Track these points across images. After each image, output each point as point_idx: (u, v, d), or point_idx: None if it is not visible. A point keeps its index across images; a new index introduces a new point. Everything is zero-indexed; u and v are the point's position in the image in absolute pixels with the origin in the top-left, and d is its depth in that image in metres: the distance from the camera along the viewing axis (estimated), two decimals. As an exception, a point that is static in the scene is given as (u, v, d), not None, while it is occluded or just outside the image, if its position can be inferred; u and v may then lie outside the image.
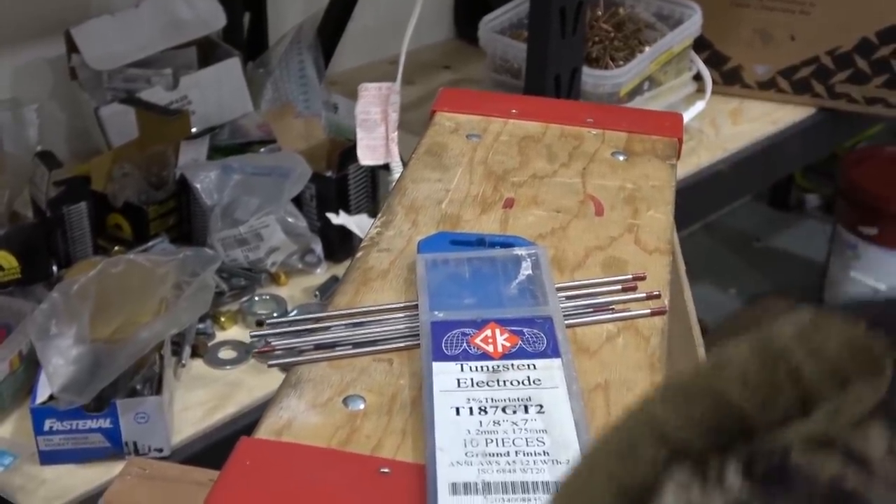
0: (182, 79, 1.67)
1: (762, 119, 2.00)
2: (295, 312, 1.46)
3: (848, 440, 0.33)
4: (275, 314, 1.45)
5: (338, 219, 1.51)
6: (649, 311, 0.65)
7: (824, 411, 0.34)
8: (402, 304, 0.65)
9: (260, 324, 1.44)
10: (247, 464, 0.52)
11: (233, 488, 0.51)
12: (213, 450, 1.29)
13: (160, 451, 1.23)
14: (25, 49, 1.69)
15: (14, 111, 1.62)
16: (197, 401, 1.34)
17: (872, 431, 0.33)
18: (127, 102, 1.61)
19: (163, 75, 1.67)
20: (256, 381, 1.37)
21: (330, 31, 1.94)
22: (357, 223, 1.51)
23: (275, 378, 1.37)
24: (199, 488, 1.03)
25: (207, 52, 1.74)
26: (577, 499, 0.37)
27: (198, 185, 1.50)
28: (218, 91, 1.69)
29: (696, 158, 1.84)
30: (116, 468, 1.14)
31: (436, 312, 0.62)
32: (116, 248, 1.50)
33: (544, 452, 0.53)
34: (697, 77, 1.90)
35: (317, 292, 1.51)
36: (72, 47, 1.64)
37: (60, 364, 1.14)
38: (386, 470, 0.52)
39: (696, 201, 1.83)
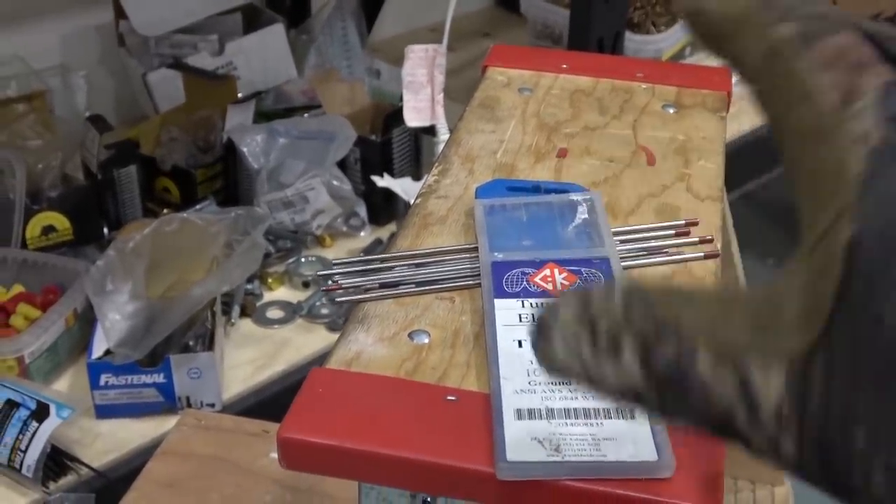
0: (227, 45, 1.69)
1: (804, 85, 1.99)
2: (341, 273, 1.48)
3: (749, 372, 0.31)
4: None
5: (382, 181, 1.52)
6: (703, 254, 0.67)
7: None
8: (462, 247, 0.66)
9: (306, 285, 1.47)
10: (319, 391, 0.54)
11: (306, 412, 0.53)
12: (261, 406, 1.32)
13: (212, 405, 1.26)
14: (74, 16, 1.72)
15: (63, 77, 1.64)
16: (246, 358, 1.36)
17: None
18: (174, 68, 1.64)
19: (209, 41, 1.69)
20: (304, 340, 1.40)
21: (372, -2, 1.95)
22: (401, 186, 1.53)
23: (321, 337, 1.41)
24: (253, 439, 1.06)
25: (252, 18, 1.76)
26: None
27: (244, 149, 1.53)
28: (262, 57, 1.71)
29: (738, 125, 1.84)
30: (170, 422, 1.17)
31: (496, 253, 0.64)
32: (165, 210, 1.53)
33: (605, 382, 0.54)
34: (738, 43, 1.90)
35: (361, 254, 1.53)
36: (119, 14, 1.67)
37: (117, 319, 1.17)
38: (452, 398, 0.54)
39: (737, 168, 1.83)
